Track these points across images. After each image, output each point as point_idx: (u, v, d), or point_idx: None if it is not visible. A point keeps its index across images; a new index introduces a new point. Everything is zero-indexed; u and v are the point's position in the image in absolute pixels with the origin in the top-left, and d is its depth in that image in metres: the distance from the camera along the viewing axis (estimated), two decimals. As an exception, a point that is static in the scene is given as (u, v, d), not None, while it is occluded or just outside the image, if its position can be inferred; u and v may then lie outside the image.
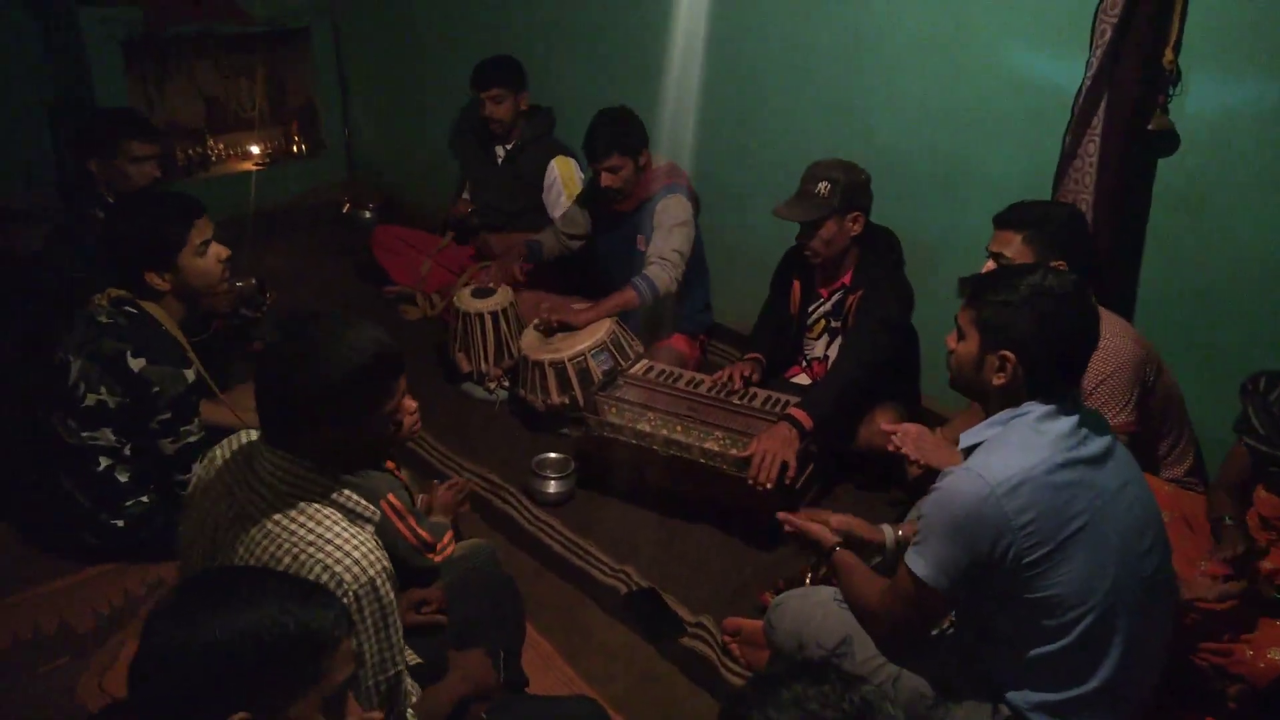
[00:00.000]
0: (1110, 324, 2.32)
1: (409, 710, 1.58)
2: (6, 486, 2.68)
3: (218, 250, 2.41)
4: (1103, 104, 2.52)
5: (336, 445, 1.50)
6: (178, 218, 2.35)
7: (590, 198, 3.54)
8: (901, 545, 2.05)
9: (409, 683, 1.60)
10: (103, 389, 2.30)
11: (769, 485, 2.52)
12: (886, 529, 2.11)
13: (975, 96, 2.92)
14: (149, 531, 2.43)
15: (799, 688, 0.98)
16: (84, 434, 2.33)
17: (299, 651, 1.07)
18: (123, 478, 2.38)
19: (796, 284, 2.99)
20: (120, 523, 2.41)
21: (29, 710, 2.11)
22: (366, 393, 1.49)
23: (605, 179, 3.28)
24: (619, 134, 3.24)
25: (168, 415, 2.32)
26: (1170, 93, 2.46)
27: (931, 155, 3.07)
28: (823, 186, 2.73)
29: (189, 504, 1.61)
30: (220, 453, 1.60)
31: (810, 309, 3.00)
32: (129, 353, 2.28)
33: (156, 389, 2.29)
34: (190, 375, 2.35)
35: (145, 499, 2.42)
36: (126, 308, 2.33)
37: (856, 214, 2.78)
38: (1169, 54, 2.40)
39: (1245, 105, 2.41)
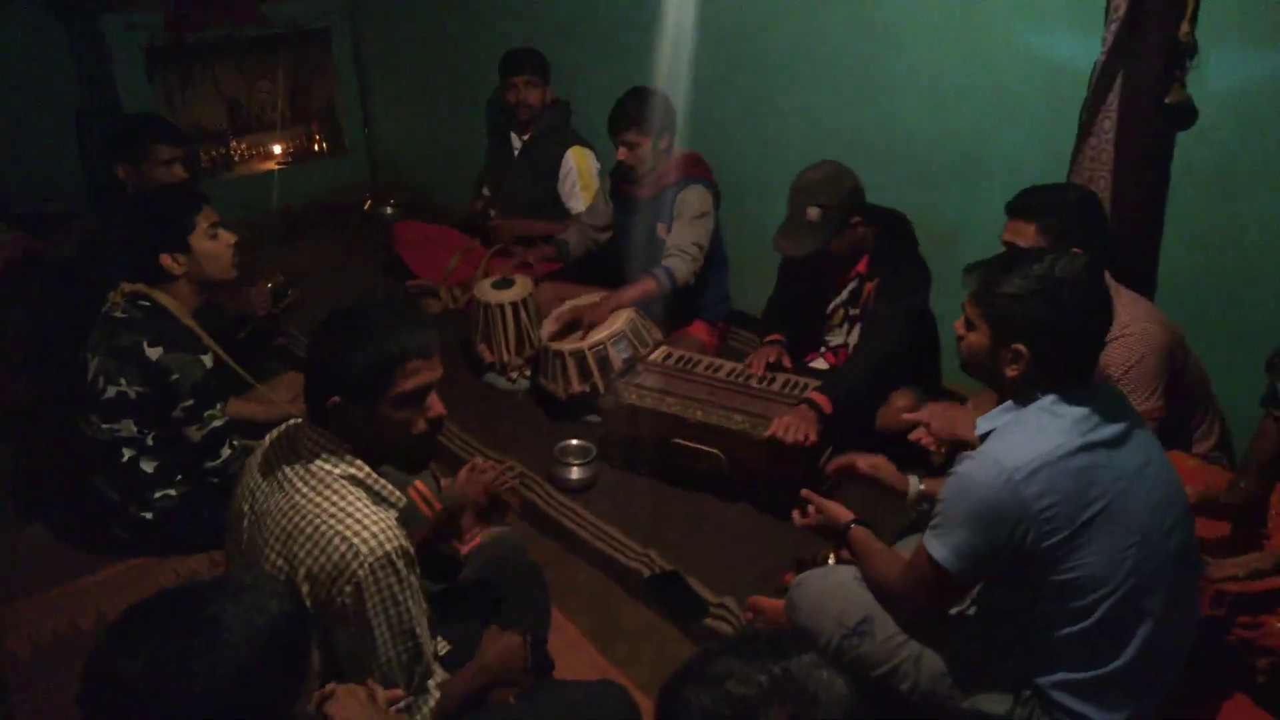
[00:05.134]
0: (1136, 308, 2.29)
1: (431, 683, 1.60)
2: (42, 487, 2.74)
3: (226, 236, 2.46)
4: (1119, 79, 2.49)
5: (361, 428, 1.54)
6: (186, 201, 2.44)
7: (613, 179, 3.56)
8: (922, 496, 2.09)
9: (434, 667, 1.63)
10: (122, 380, 2.34)
11: (791, 442, 2.55)
12: (912, 479, 2.12)
13: (992, 79, 2.90)
14: (180, 524, 2.46)
15: (728, 662, 0.98)
16: (105, 426, 2.37)
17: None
18: (148, 468, 2.41)
19: (810, 276, 2.98)
20: (149, 515, 2.44)
21: (69, 705, 2.14)
22: (377, 371, 1.52)
23: (621, 153, 3.32)
24: (641, 111, 3.26)
25: (190, 402, 2.36)
26: (1187, 65, 2.42)
27: (950, 139, 3.06)
28: (813, 213, 2.71)
29: (236, 482, 1.66)
30: (271, 436, 1.66)
31: (828, 300, 2.99)
32: (145, 343, 2.31)
33: (175, 376, 2.33)
34: (208, 361, 2.39)
35: (173, 491, 2.45)
36: (140, 301, 2.37)
37: (856, 220, 2.76)
38: (1185, 26, 2.37)
39: (1267, 77, 2.38)
